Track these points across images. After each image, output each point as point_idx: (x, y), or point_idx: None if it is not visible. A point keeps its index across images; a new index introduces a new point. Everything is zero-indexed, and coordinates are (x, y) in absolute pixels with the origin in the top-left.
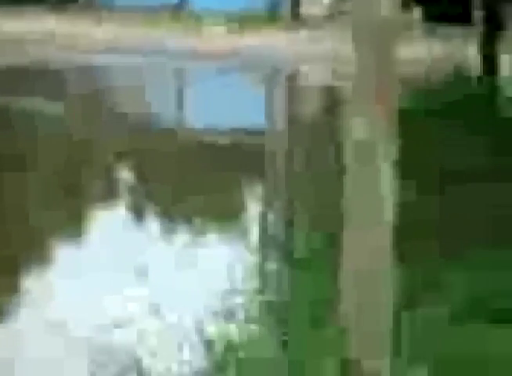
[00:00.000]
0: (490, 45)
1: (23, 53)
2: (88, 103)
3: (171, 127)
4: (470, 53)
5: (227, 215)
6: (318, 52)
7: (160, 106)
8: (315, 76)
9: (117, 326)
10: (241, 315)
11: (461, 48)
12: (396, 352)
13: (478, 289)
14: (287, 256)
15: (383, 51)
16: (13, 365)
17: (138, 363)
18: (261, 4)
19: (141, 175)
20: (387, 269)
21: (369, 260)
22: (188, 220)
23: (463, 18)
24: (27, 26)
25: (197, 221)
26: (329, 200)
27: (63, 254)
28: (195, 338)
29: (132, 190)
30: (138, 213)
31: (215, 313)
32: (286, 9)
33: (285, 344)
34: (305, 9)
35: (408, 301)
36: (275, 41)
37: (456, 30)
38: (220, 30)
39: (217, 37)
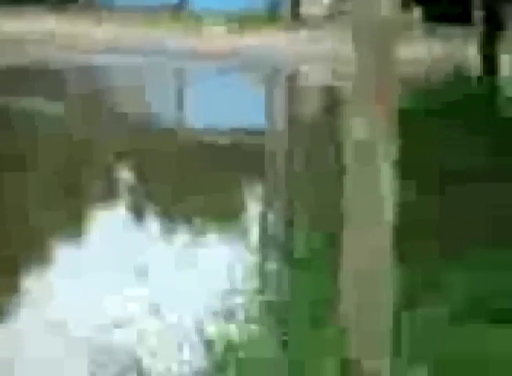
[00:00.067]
0: (490, 45)
1: (23, 53)
2: (88, 103)
3: (171, 127)
4: (470, 53)
5: (227, 215)
6: (318, 52)
7: (160, 106)
8: (315, 76)
9: (117, 326)
10: (241, 315)
11: (461, 48)
12: (396, 352)
13: (478, 289)
14: (287, 256)
15: (383, 51)
16: (13, 365)
17: (138, 363)
18: (261, 4)
19: (141, 175)
20: (387, 269)
21: (369, 260)
22: (188, 220)
23: (463, 18)
24: (27, 26)
25: (197, 221)
26: (329, 200)
27: (63, 254)
28: (195, 338)
29: (132, 190)
30: (138, 213)
31: (215, 313)
32: (286, 9)
33: (285, 344)
34: (305, 9)
35: (408, 301)
36: (275, 41)
37: (456, 30)
38: (220, 30)
39: (217, 37)
